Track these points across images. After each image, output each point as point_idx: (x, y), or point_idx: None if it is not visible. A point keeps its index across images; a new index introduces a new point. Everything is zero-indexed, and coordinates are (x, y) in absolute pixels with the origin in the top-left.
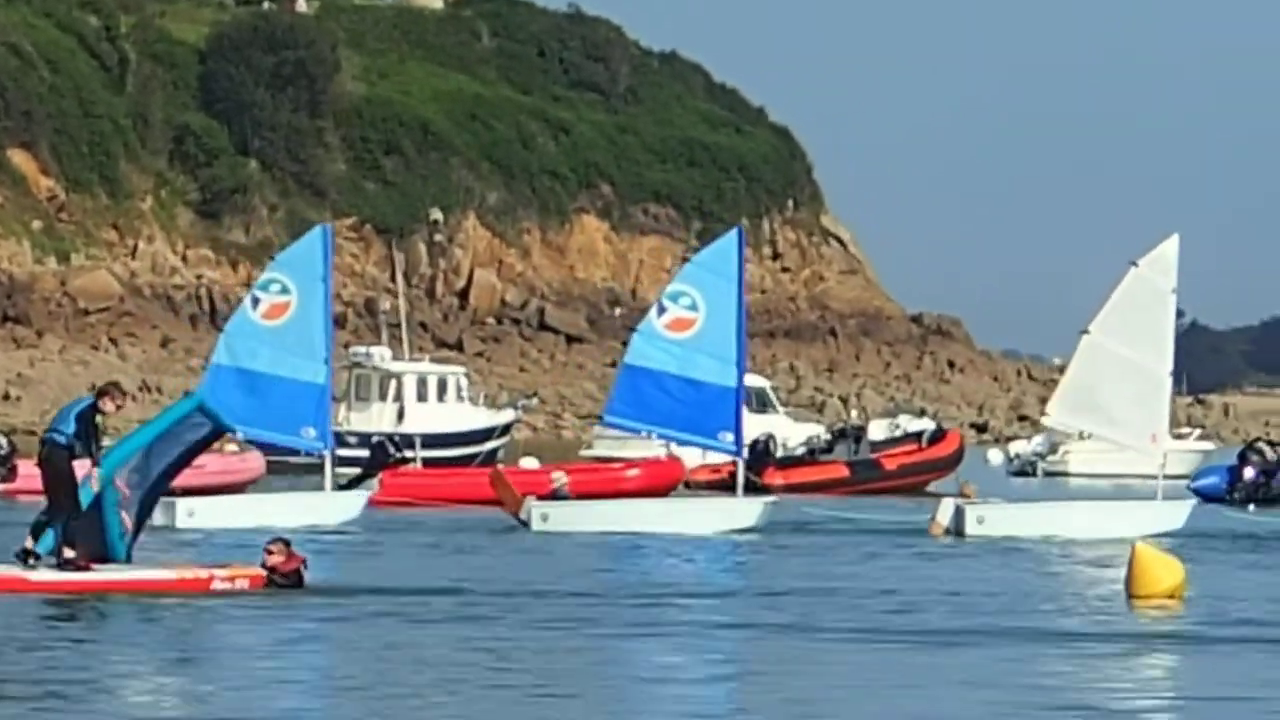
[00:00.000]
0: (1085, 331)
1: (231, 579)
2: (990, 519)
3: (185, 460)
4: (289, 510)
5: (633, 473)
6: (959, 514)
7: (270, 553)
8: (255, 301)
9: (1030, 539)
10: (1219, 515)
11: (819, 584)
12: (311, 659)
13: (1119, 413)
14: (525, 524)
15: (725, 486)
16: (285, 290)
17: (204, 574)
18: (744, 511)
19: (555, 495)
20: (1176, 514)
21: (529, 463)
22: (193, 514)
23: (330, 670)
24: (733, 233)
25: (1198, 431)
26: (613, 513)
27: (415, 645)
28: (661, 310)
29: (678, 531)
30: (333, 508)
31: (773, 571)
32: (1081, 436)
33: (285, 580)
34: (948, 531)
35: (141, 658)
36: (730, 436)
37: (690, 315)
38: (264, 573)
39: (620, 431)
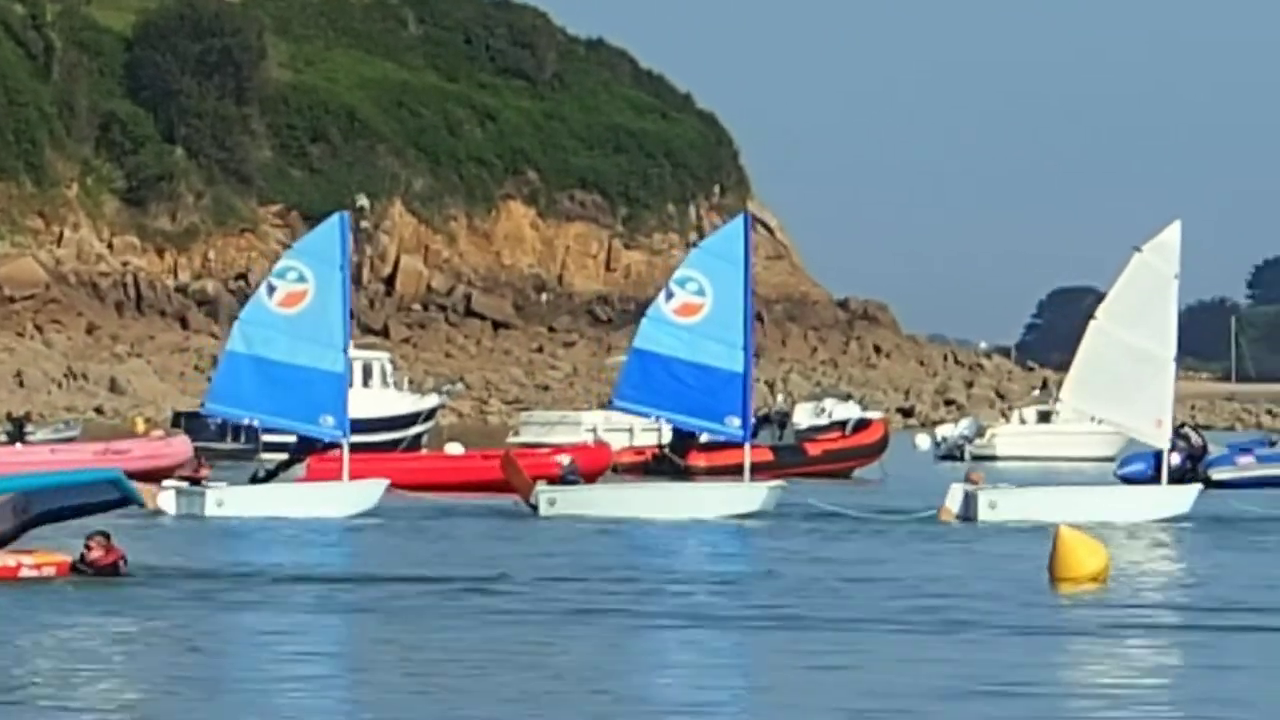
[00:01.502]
0: (1092, 317)
1: (38, 566)
2: (1002, 504)
3: (75, 514)
4: (312, 500)
5: (562, 458)
6: (970, 500)
7: (89, 548)
8: (271, 289)
9: (1040, 523)
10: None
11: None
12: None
13: (1124, 397)
14: (534, 509)
15: (649, 469)
16: (302, 278)
17: (12, 561)
18: (751, 496)
19: (565, 479)
20: (1184, 498)
21: (454, 448)
22: (221, 504)
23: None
24: (739, 218)
25: None
26: (620, 498)
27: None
28: (669, 295)
29: (685, 516)
30: (353, 497)
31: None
32: (1094, 421)
33: (99, 573)
34: (959, 518)
35: None
36: (737, 421)
37: (698, 300)
38: (70, 560)
39: (629, 415)
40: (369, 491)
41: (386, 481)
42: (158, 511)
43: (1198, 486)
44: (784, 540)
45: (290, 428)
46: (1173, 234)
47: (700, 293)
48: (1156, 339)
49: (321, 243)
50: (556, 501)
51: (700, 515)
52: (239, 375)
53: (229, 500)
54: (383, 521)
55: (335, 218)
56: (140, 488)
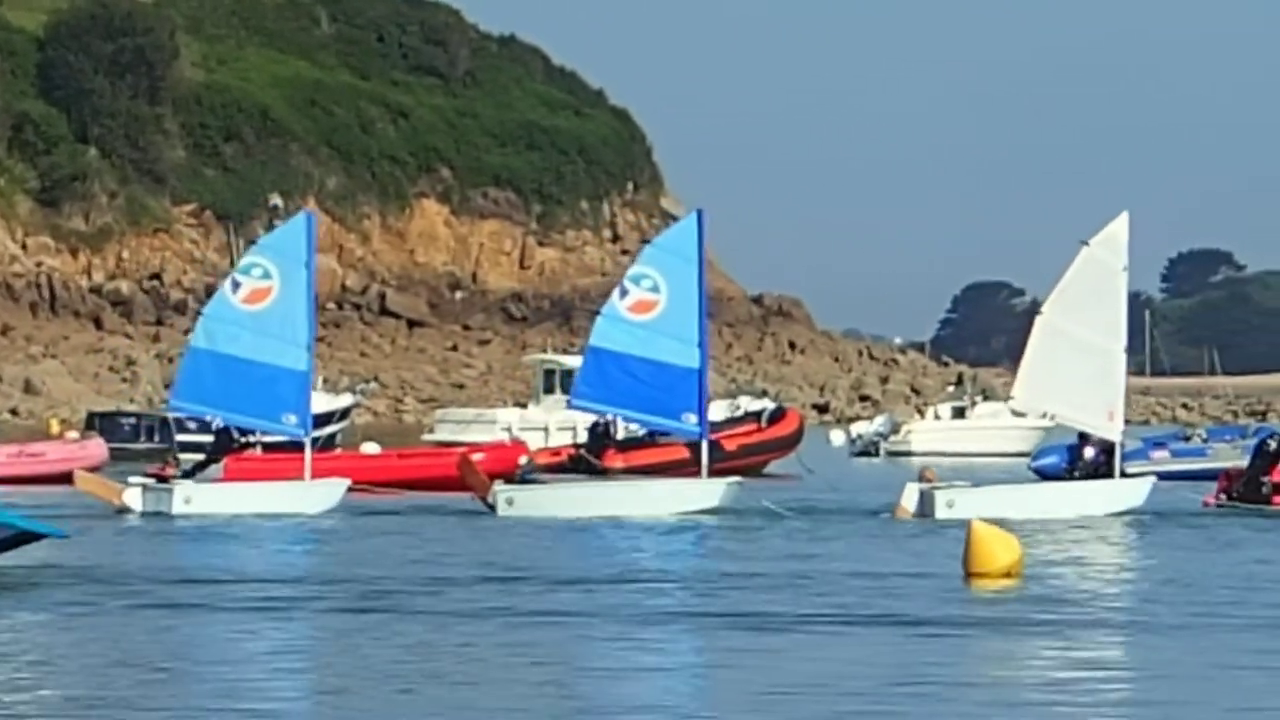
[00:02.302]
0: (1039, 312)
1: None
2: (960, 503)
3: None
4: (278, 498)
5: (476, 457)
6: (926, 498)
7: None
8: (235, 285)
9: (998, 521)
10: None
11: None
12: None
13: (1075, 391)
14: (492, 509)
15: (564, 469)
16: (267, 275)
17: None
18: (709, 493)
19: (523, 478)
20: (1138, 492)
21: (369, 448)
22: (189, 501)
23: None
24: (693, 215)
25: None
26: (577, 497)
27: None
28: (624, 293)
29: (643, 514)
30: (318, 495)
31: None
32: (1046, 417)
33: None
34: (915, 516)
35: None
36: (694, 418)
37: (653, 297)
38: None
39: (584, 414)
40: (333, 490)
41: (348, 480)
42: (124, 509)
43: (1151, 480)
44: (735, 539)
45: (253, 425)
46: (1120, 226)
47: (655, 289)
48: (1105, 332)
49: (287, 240)
50: (515, 501)
51: (659, 512)
52: (202, 372)
53: (197, 498)
54: (339, 520)
55: (301, 215)
56: (107, 485)
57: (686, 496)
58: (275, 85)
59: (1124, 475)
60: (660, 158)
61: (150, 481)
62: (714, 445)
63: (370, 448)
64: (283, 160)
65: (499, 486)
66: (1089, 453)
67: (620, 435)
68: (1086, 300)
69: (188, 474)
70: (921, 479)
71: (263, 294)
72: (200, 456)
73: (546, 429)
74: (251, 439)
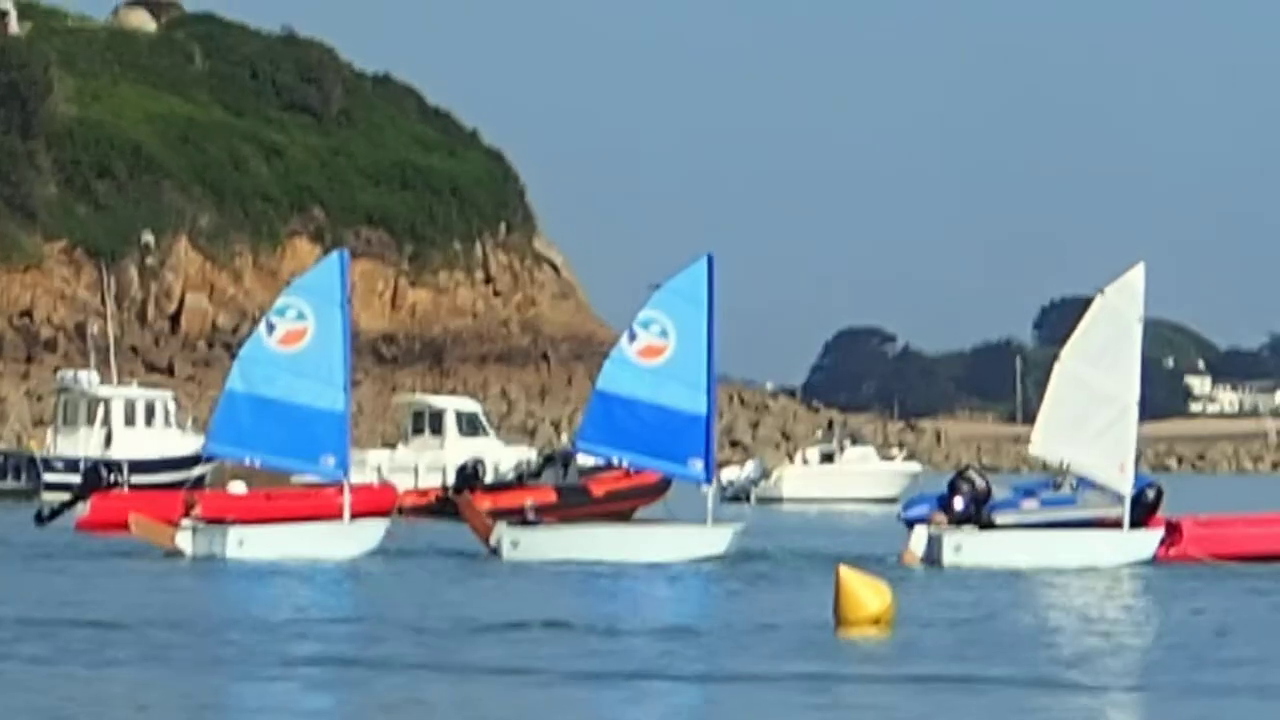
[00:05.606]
0: (1056, 359)
1: None
2: (968, 547)
3: None
4: (325, 539)
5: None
6: (934, 542)
7: None
8: (270, 327)
9: (1007, 568)
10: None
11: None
12: None
13: (1088, 441)
14: (496, 551)
15: (433, 511)
16: (302, 316)
17: None
18: (715, 539)
19: (526, 520)
20: (1148, 543)
21: (236, 487)
22: (242, 543)
23: None
24: (703, 259)
25: (904, 452)
26: (583, 540)
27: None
28: (633, 337)
29: (648, 559)
30: (360, 537)
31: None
32: (1063, 468)
33: None
34: (924, 561)
35: None
36: (700, 464)
37: (661, 342)
38: None
39: (593, 457)
40: (375, 530)
41: (387, 521)
42: (176, 551)
43: (1160, 531)
44: (687, 588)
45: (291, 467)
46: (1136, 276)
47: (664, 334)
48: (1119, 382)
49: (321, 280)
50: (520, 543)
51: (665, 558)
52: (238, 414)
53: (250, 540)
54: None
55: (335, 255)
56: (160, 529)
57: (693, 542)
58: (148, 122)
59: (991, 525)
60: (533, 199)
61: (200, 524)
62: (582, 490)
63: (237, 487)
64: (155, 197)
65: (503, 528)
66: (958, 503)
67: (490, 478)
68: (1102, 350)
69: (55, 512)
70: (931, 523)
71: (298, 335)
72: (66, 496)
73: (416, 470)
74: (119, 478)
